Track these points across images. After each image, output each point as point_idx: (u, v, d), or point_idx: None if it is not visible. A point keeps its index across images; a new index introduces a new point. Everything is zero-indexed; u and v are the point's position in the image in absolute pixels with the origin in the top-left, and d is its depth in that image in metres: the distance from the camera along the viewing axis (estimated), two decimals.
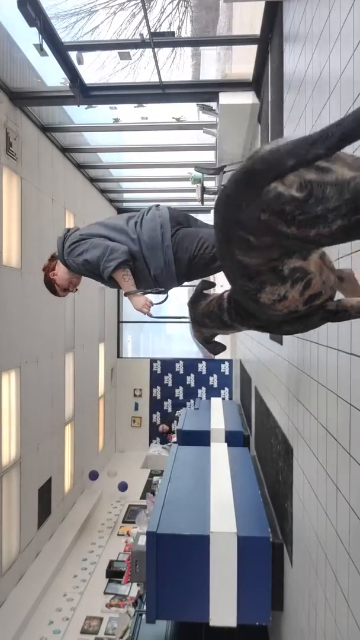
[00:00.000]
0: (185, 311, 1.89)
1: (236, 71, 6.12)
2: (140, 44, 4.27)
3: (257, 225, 0.85)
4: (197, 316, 1.49)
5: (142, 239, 2.17)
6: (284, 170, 0.78)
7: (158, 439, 10.87)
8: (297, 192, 0.80)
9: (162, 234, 2.17)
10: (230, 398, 10.30)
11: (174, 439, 7.59)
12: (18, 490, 5.42)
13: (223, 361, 10.41)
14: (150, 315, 2.23)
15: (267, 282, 1.00)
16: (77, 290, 2.47)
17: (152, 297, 2.24)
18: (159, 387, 10.91)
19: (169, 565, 3.05)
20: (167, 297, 2.28)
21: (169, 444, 9.98)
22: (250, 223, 0.86)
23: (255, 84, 4.57)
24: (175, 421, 9.20)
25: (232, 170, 5.85)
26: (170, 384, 10.89)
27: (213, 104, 5.15)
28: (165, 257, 2.18)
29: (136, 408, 10.98)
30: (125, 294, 2.20)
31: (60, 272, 2.36)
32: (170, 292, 2.29)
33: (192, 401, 9.48)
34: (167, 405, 10.84)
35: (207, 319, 1.44)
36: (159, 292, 2.22)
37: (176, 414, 10.20)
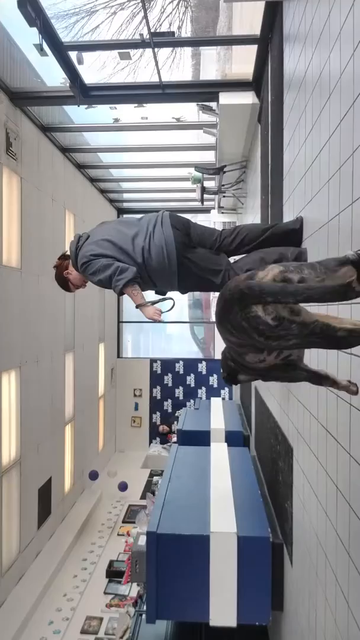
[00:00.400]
0: (184, 312, 2.30)
1: (236, 71, 6.12)
2: (140, 44, 4.27)
3: (238, 327, 1.22)
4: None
5: (149, 264, 2.40)
6: (264, 302, 1.13)
7: (158, 439, 10.87)
8: (272, 321, 1.14)
9: (168, 262, 2.40)
10: (230, 398, 10.30)
11: (174, 439, 7.58)
12: (18, 490, 5.42)
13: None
14: (161, 322, 2.44)
15: (249, 352, 1.33)
16: (86, 286, 2.69)
17: (160, 305, 2.49)
18: (159, 387, 10.91)
19: (169, 565, 3.05)
20: (174, 304, 2.47)
21: (169, 444, 9.98)
22: (235, 323, 1.22)
23: (255, 84, 4.57)
24: (175, 422, 9.20)
25: (232, 169, 5.67)
26: (170, 384, 10.89)
27: (213, 104, 5.15)
28: (172, 280, 2.45)
29: (136, 408, 10.98)
30: (137, 307, 2.43)
31: (75, 273, 2.61)
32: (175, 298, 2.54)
33: (192, 401, 9.50)
34: (167, 405, 10.84)
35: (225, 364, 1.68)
36: (165, 299, 2.44)
37: (176, 414, 10.21)
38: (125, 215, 11.27)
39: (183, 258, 2.41)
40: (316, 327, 1.14)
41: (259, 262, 2.32)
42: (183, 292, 2.60)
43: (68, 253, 2.63)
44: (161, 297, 2.47)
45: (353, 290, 1.09)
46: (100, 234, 2.50)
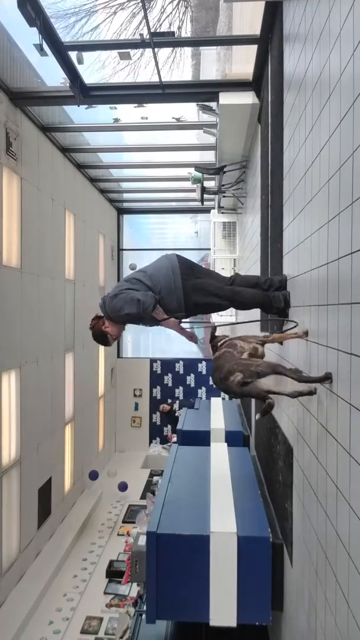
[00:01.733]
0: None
1: (236, 71, 6.12)
2: (140, 44, 4.27)
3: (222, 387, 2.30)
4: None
5: (161, 291, 2.89)
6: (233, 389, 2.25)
7: (158, 439, 10.87)
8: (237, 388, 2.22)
9: (174, 284, 2.90)
10: (230, 398, 10.30)
11: (174, 439, 7.58)
12: (18, 490, 5.42)
13: None
14: (179, 330, 3.03)
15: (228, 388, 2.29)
16: (121, 334, 3.20)
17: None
18: (159, 387, 10.91)
19: (169, 565, 3.05)
20: (186, 316, 3.01)
21: (169, 444, 9.98)
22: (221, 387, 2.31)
23: (255, 84, 4.57)
24: (176, 401, 9.16)
25: (232, 169, 5.80)
26: (170, 384, 10.89)
27: (213, 104, 5.15)
28: (179, 300, 2.91)
29: (136, 408, 10.98)
30: (160, 321, 2.94)
31: (112, 326, 3.04)
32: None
33: (191, 401, 9.48)
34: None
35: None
36: (180, 316, 2.97)
37: (176, 414, 10.20)
38: (126, 216, 11.28)
39: (187, 278, 2.92)
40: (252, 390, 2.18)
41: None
42: (191, 313, 3.04)
43: (100, 314, 3.08)
44: (178, 313, 2.97)
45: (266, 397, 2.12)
46: (119, 285, 3.01)
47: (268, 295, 2.88)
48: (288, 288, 2.85)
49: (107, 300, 2.96)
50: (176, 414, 10.00)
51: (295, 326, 2.25)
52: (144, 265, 3.14)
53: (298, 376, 2.04)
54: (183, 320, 3.00)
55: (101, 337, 3.10)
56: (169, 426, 10.71)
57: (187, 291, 2.88)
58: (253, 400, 5.38)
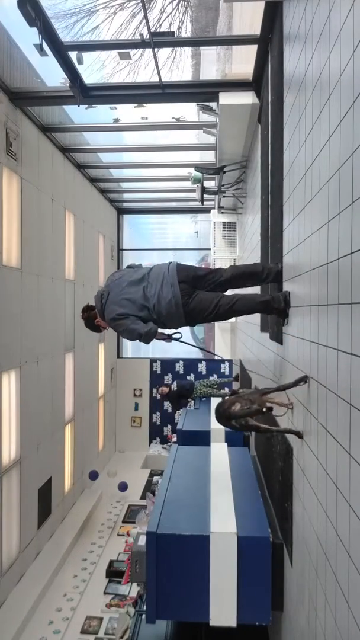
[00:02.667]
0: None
1: (236, 71, 6.12)
2: (140, 44, 4.27)
3: (226, 423, 2.80)
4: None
5: (161, 315, 3.02)
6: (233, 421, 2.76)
7: (158, 439, 10.87)
8: (236, 424, 2.75)
9: (176, 310, 3.00)
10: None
11: (174, 439, 7.58)
12: (18, 490, 5.42)
13: (223, 361, 10.41)
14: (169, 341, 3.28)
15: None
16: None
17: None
18: (159, 387, 10.90)
19: (169, 565, 3.05)
20: (181, 335, 3.32)
21: (169, 444, 9.97)
22: (224, 423, 2.82)
23: (255, 84, 4.57)
24: (174, 382, 9.06)
25: (232, 169, 5.88)
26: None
27: (213, 104, 5.15)
28: (180, 322, 3.08)
29: (136, 408, 10.98)
30: (158, 339, 3.14)
31: (103, 322, 3.24)
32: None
33: (192, 401, 9.46)
34: (167, 405, 10.83)
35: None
36: (176, 333, 3.27)
37: (176, 414, 10.20)
38: (126, 216, 11.28)
39: (187, 298, 2.98)
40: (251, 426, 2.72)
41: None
42: (191, 324, 3.21)
43: (92, 304, 3.29)
44: (174, 331, 3.23)
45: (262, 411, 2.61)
46: (117, 294, 3.08)
47: (267, 301, 2.90)
48: (288, 288, 2.85)
49: (105, 309, 3.12)
50: (175, 414, 10.00)
51: (305, 382, 2.34)
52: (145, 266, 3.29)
53: (281, 386, 2.64)
54: (182, 340, 3.35)
55: (93, 327, 3.37)
56: (169, 426, 10.70)
57: (187, 315, 3.03)
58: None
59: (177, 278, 2.97)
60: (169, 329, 3.17)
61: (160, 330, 3.10)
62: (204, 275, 3.07)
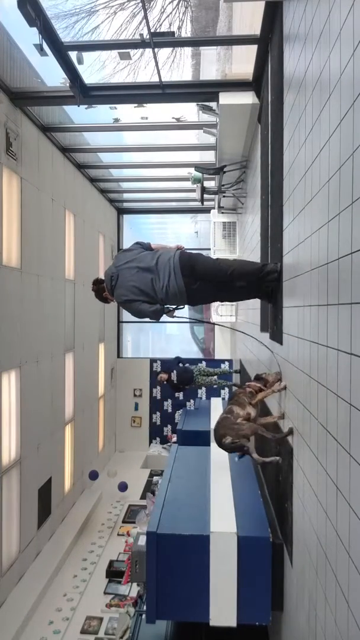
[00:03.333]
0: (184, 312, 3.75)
1: (236, 71, 6.12)
2: (140, 44, 4.27)
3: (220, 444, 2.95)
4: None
5: (167, 299, 3.34)
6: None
7: (158, 439, 10.87)
8: (231, 444, 2.89)
9: (180, 297, 3.32)
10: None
11: (174, 439, 7.58)
12: (18, 490, 5.42)
13: (223, 361, 10.41)
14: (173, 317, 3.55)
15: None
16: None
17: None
18: (159, 387, 10.90)
19: (169, 565, 3.05)
20: (184, 307, 3.55)
21: (169, 444, 9.97)
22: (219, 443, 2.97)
23: (255, 84, 4.57)
24: (174, 370, 8.91)
25: (232, 169, 5.93)
26: None
27: (213, 104, 5.15)
28: (182, 302, 3.40)
29: (136, 408, 10.98)
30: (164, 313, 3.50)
31: (110, 296, 3.57)
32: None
33: (192, 401, 9.49)
34: (167, 405, 10.84)
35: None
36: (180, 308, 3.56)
37: (176, 414, 10.20)
38: (127, 217, 11.28)
39: (191, 290, 3.29)
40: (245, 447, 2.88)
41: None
42: (193, 305, 3.67)
43: (101, 278, 3.62)
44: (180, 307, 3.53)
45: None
46: (127, 280, 3.35)
47: (264, 264, 3.30)
48: (288, 288, 2.85)
49: (116, 291, 3.43)
50: (176, 414, 9.99)
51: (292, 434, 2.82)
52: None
53: (272, 435, 2.91)
54: (184, 321, 3.68)
55: (102, 299, 3.69)
56: (169, 426, 10.69)
57: (189, 298, 3.35)
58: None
59: (181, 272, 3.25)
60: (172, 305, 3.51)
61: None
62: (202, 271, 3.34)
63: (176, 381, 8.65)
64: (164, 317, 3.52)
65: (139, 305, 3.34)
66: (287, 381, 2.94)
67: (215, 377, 8.70)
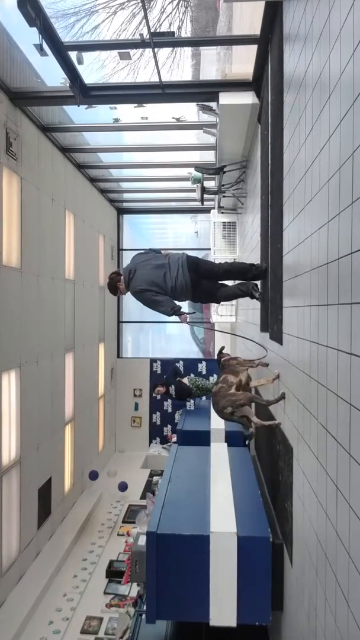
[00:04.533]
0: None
1: (236, 71, 6.11)
2: (140, 44, 4.27)
3: (220, 413, 3.48)
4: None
5: (175, 292, 4.05)
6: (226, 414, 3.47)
7: (158, 439, 10.87)
8: (229, 415, 3.41)
9: (186, 290, 4.09)
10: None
11: (174, 439, 7.57)
12: (18, 490, 5.42)
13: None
14: (187, 322, 4.19)
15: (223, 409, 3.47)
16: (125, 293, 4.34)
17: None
18: (155, 389, 10.89)
19: (169, 565, 3.05)
20: (194, 312, 4.74)
21: (169, 444, 9.97)
22: (218, 413, 3.51)
23: (255, 84, 4.57)
24: (172, 385, 8.92)
25: (232, 169, 6.07)
26: None
27: (213, 104, 5.14)
28: (187, 297, 4.20)
29: (136, 408, 10.98)
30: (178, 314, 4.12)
31: (123, 287, 4.21)
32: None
33: (191, 401, 9.47)
34: (167, 405, 10.83)
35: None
36: (191, 313, 4.33)
37: (176, 414, 10.20)
38: (127, 217, 11.28)
39: (195, 286, 4.07)
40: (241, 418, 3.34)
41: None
42: (195, 301, 4.46)
43: (120, 272, 4.25)
44: (190, 311, 4.25)
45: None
46: (143, 274, 4.06)
47: (252, 263, 4.13)
48: (288, 288, 2.85)
49: (132, 284, 4.09)
50: (176, 414, 9.98)
51: (264, 356, 3.51)
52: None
53: (266, 401, 3.18)
54: (189, 322, 4.16)
55: (113, 289, 4.26)
56: (169, 426, 10.69)
57: (194, 292, 4.13)
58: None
59: (187, 268, 4.01)
60: (179, 301, 4.16)
61: (178, 305, 4.11)
62: (206, 270, 4.18)
63: (175, 395, 8.67)
64: (174, 318, 4.11)
65: (152, 296, 3.99)
66: (287, 381, 2.94)
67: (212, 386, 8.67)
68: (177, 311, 3.99)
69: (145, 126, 6.27)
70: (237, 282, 4.28)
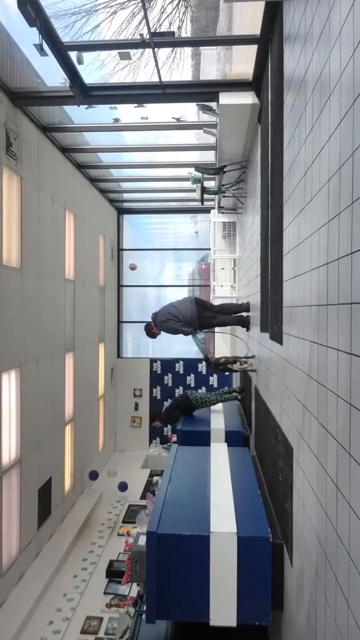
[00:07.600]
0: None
1: (236, 71, 6.11)
2: (140, 44, 4.27)
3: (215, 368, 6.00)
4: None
5: (187, 321, 5.57)
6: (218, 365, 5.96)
7: (158, 439, 10.87)
8: (222, 367, 5.90)
9: (192, 322, 5.60)
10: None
11: (174, 439, 7.55)
12: (18, 490, 5.42)
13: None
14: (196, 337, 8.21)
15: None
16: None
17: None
18: (159, 387, 10.91)
19: (169, 565, 3.05)
20: (201, 332, 6.28)
21: (169, 444, 9.96)
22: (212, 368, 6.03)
23: (255, 84, 4.57)
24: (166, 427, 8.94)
25: (232, 169, 6.26)
26: (170, 384, 10.89)
27: (213, 104, 5.14)
28: (195, 326, 5.64)
29: (136, 408, 10.98)
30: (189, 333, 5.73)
31: (156, 329, 5.81)
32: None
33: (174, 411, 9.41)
34: (167, 405, 10.83)
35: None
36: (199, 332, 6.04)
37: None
38: (128, 217, 11.28)
39: (200, 312, 5.62)
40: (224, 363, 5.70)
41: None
42: (200, 329, 5.78)
43: (151, 322, 5.83)
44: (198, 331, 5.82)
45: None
46: (163, 311, 5.68)
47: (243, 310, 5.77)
48: (288, 288, 2.85)
49: (157, 319, 5.68)
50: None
51: (252, 356, 5.06)
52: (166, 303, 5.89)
53: (243, 357, 5.34)
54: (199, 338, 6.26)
55: (151, 333, 5.88)
56: (169, 426, 10.68)
57: (200, 322, 5.60)
58: (253, 402, 5.40)
59: (195, 305, 5.59)
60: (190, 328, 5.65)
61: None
62: (207, 307, 5.80)
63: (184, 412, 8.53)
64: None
65: (173, 324, 5.56)
66: (287, 382, 2.94)
67: (214, 399, 8.30)
68: (189, 327, 5.58)
69: (145, 126, 6.27)
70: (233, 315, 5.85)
